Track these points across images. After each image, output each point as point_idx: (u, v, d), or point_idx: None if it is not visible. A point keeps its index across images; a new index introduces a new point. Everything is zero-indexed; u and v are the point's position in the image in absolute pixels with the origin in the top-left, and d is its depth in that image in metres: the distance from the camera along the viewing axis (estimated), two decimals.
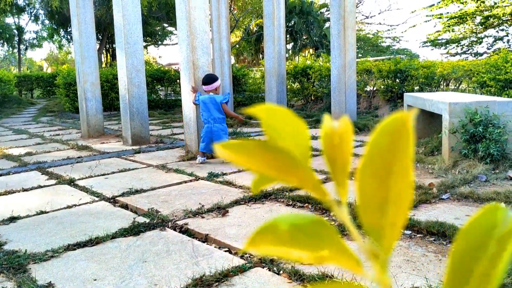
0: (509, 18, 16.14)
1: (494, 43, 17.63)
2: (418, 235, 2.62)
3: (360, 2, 26.86)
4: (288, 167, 0.23)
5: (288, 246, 0.22)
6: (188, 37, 5.06)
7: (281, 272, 2.17)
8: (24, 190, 3.97)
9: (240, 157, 0.23)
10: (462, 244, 0.20)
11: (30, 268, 2.32)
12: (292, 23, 21.26)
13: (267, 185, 0.28)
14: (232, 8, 17.86)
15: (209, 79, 4.95)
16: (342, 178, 0.24)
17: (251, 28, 22.20)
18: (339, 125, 0.25)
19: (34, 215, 3.23)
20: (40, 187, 4.07)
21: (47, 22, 22.60)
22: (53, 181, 4.25)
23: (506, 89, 6.51)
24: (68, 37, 22.25)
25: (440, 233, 2.58)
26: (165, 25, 22.99)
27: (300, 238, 0.22)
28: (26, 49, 28.48)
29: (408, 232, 2.66)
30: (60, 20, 20.16)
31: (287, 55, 17.36)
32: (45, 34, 25.30)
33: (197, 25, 5.10)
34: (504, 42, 17.19)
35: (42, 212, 3.28)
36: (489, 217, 0.20)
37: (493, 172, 3.87)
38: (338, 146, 0.24)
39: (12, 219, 3.15)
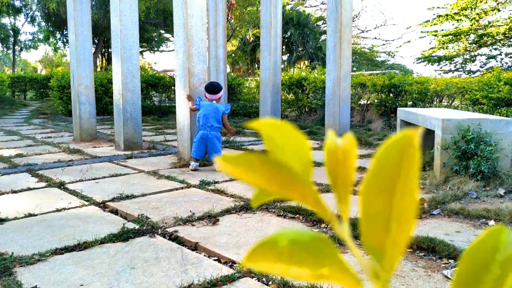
0: (503, 37, 16.36)
1: (487, 61, 17.84)
2: (408, 250, 2.62)
3: (356, 16, 27.11)
4: (289, 183, 0.22)
5: (287, 263, 0.22)
6: (185, 44, 5.07)
7: (270, 282, 2.15)
8: (13, 191, 3.93)
9: (240, 170, 0.23)
10: (466, 266, 0.20)
11: (16, 271, 2.28)
12: (289, 34, 21.38)
13: (268, 200, 0.27)
14: (229, 17, 17.95)
15: (215, 88, 4.98)
16: (344, 194, 0.24)
17: (248, 38, 22.30)
18: (343, 141, 0.25)
19: (22, 217, 3.20)
20: (29, 189, 4.03)
21: (43, 24, 22.55)
22: (43, 184, 4.21)
23: (498, 107, 6.58)
24: (64, 39, 22.21)
25: (430, 249, 2.58)
26: (162, 31, 23.03)
27: (299, 255, 0.22)
28: (21, 50, 28.36)
29: None
30: (56, 23, 20.13)
31: (282, 66, 17.43)
32: (41, 36, 25.23)
33: (194, 32, 5.11)
34: (497, 61, 17.39)
35: (30, 215, 3.24)
36: (492, 239, 0.20)
37: (483, 189, 3.89)
38: (341, 163, 0.24)
39: (0, 220, 3.11)
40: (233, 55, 22.36)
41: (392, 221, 0.21)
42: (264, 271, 0.24)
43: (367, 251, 0.23)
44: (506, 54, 17.14)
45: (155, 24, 20.22)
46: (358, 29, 28.02)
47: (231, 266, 2.38)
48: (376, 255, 0.22)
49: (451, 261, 2.45)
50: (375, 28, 36.69)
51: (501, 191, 3.83)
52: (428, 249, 2.59)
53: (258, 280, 2.19)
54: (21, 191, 3.96)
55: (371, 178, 0.22)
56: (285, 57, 22.41)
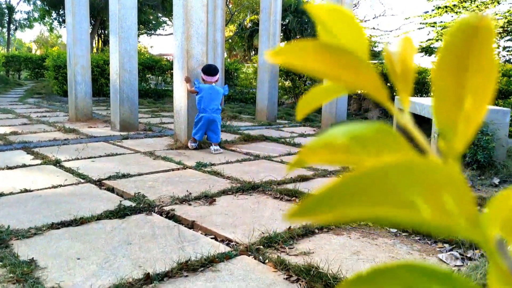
0: (501, 31, 16.35)
1: None
2: (403, 234, 2.64)
3: (355, 6, 26.94)
4: (348, 65, 0.21)
5: (347, 156, 0.21)
6: (184, 25, 5.02)
7: (267, 261, 2.16)
8: (9, 168, 3.90)
9: (295, 58, 0.22)
10: None
11: (12, 244, 2.28)
12: (287, 21, 21.24)
13: (313, 107, 0.27)
14: (228, 2, 17.80)
15: (213, 70, 4.96)
16: (404, 85, 0.24)
17: (245, 23, 22.14)
18: (401, 44, 0.24)
19: (18, 192, 3.18)
20: (25, 166, 4.00)
21: (39, 2, 22.25)
22: (38, 161, 4.19)
23: (496, 99, 6.59)
24: (60, 19, 21.95)
25: (426, 233, 2.60)
26: (160, 15, 22.80)
27: (360, 151, 0.21)
28: (15, 29, 28.00)
29: (394, 230, 2.68)
30: (52, 2, 19.87)
31: None
32: (36, 15, 24.90)
33: (194, 13, 5.06)
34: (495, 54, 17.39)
35: (26, 190, 3.23)
36: None
37: (479, 178, 3.92)
38: (400, 60, 0.24)
39: None
40: (229, 40, 22.21)
41: (467, 96, 0.21)
42: (322, 162, 0.23)
43: (439, 128, 0.23)
44: (504, 48, 17.15)
45: (153, 6, 20.02)
46: (357, 18, 27.86)
47: (227, 244, 2.38)
48: (448, 130, 0.22)
49: (446, 245, 2.47)
50: (373, 18, 36.53)
51: (496, 180, 3.86)
52: (423, 234, 2.60)
53: (255, 258, 2.20)
54: (16, 167, 3.94)
55: (443, 55, 0.21)
56: (282, 45, 22.27)
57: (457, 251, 2.37)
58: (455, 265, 2.24)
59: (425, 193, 0.19)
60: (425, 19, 18.03)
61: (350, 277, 0.22)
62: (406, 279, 0.21)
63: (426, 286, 0.21)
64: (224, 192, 3.33)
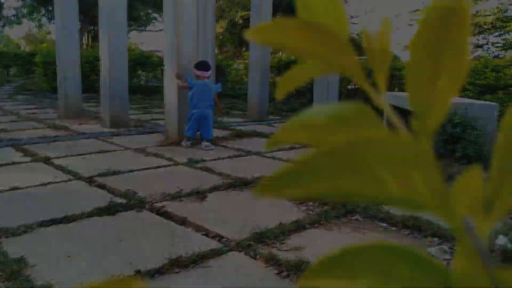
0: (490, 27, 16.46)
1: (474, 50, 17.95)
2: (393, 228, 2.66)
3: (346, 2, 26.98)
4: (327, 43, 0.22)
5: (323, 134, 0.21)
6: (174, 21, 5.00)
7: (258, 257, 2.17)
8: None
9: (277, 36, 0.22)
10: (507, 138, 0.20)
11: (1, 242, 2.26)
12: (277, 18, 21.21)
13: (293, 86, 0.27)
14: None
15: (206, 66, 4.96)
16: (381, 65, 0.24)
17: (236, 20, 22.07)
18: (380, 27, 0.25)
19: (7, 190, 3.16)
20: (14, 163, 3.97)
21: None
22: (28, 158, 4.16)
23: (484, 94, 6.64)
24: (49, 15, 21.73)
25: (415, 227, 2.62)
26: (150, 10, 22.65)
27: (338, 129, 0.21)
28: (3, 25, 27.68)
29: (384, 224, 2.70)
30: None
31: (271, 50, 17.30)
32: (25, 11, 24.62)
33: (184, 9, 5.04)
34: (484, 50, 17.52)
35: (15, 188, 3.20)
36: None
37: None
38: (378, 40, 0.24)
39: None
40: (220, 37, 22.14)
41: (441, 74, 0.21)
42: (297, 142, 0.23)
43: (413, 104, 0.23)
44: (493, 44, 17.28)
45: (144, 1, 19.89)
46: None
47: (219, 240, 2.39)
48: (422, 109, 0.22)
49: (435, 239, 2.49)
50: (364, 14, 36.50)
51: (486, 175, 3.89)
52: (413, 228, 2.62)
53: (246, 254, 2.20)
54: (5, 164, 3.90)
55: (419, 34, 0.22)
56: None
57: (446, 245, 2.39)
58: (444, 259, 2.26)
59: (393, 169, 0.19)
60: (416, 15, 18.12)
61: (321, 259, 0.22)
62: (376, 258, 0.22)
63: (394, 264, 0.21)
64: (215, 188, 3.33)
